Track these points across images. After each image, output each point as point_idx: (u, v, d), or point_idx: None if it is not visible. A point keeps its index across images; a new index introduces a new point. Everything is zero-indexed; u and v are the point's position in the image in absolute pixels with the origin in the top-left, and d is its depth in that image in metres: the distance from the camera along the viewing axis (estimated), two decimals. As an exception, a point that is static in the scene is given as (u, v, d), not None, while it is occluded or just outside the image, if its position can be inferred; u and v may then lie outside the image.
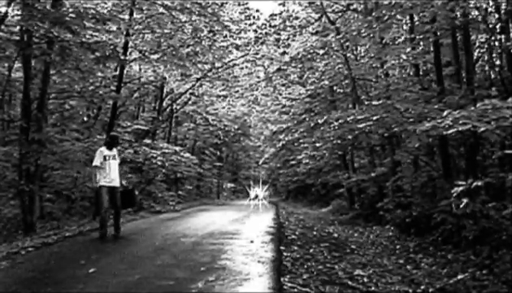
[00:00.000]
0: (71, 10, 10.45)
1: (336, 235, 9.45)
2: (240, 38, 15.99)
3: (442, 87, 8.83)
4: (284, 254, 6.32)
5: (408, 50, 11.18)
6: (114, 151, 7.87)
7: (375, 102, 8.02)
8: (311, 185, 24.38)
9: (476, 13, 9.37)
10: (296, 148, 21.37)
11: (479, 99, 6.74)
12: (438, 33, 8.74)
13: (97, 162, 7.58)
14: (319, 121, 10.96)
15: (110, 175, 7.61)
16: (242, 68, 19.60)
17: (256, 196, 33.32)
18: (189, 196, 23.39)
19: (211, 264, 5.43)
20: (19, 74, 12.57)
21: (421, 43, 10.48)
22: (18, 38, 10.24)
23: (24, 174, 9.89)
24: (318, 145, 14.83)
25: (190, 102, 22.85)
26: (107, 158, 7.64)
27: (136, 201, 9.14)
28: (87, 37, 10.07)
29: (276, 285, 4.53)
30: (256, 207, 19.67)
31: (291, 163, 24.58)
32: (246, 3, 15.86)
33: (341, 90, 17.51)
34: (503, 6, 8.59)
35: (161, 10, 13.10)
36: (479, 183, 5.49)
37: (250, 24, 15.49)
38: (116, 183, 7.68)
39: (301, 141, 19.02)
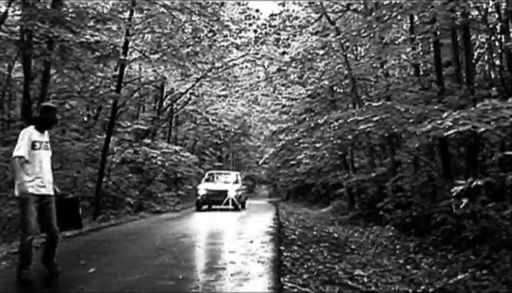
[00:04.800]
0: (71, 9, 10.47)
1: (336, 235, 9.45)
2: (240, 38, 15.99)
3: (442, 87, 8.83)
4: (284, 254, 6.32)
5: (408, 50, 11.18)
6: (46, 136, 4.79)
7: (375, 103, 8.01)
8: (311, 185, 24.36)
9: (476, 13, 9.36)
10: (296, 148, 21.33)
11: (479, 99, 6.74)
12: (438, 33, 8.74)
13: (23, 151, 4.49)
14: (319, 121, 10.96)
15: (42, 175, 4.59)
16: (242, 68, 19.61)
17: (222, 195, 15.44)
18: (189, 196, 23.36)
19: (211, 264, 5.43)
20: (19, 74, 12.56)
21: (421, 43, 10.47)
22: (18, 38, 10.25)
23: (24, 174, 9.87)
24: (318, 145, 14.80)
25: (190, 102, 22.85)
26: (37, 146, 4.59)
27: (81, 219, 5.42)
28: (87, 36, 10.07)
29: (276, 285, 4.53)
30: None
31: (291, 163, 24.54)
32: (246, 3, 15.87)
33: (341, 90, 17.50)
34: (503, 6, 8.59)
35: (161, 10, 13.10)
36: (479, 182, 5.49)
37: (250, 24, 15.49)
38: (50, 189, 4.69)
39: (301, 141, 18.98)
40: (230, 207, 15.17)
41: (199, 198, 15.68)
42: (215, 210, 15.75)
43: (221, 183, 16.73)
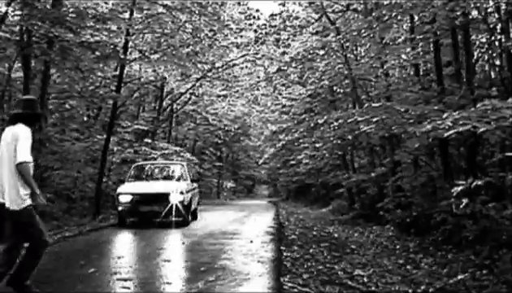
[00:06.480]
0: (71, 9, 10.49)
1: (336, 235, 9.45)
2: (240, 37, 16.02)
3: (442, 87, 8.83)
4: (284, 254, 6.32)
5: (408, 50, 11.17)
6: None
7: (375, 104, 8.00)
8: (311, 185, 24.37)
9: (476, 13, 9.36)
10: (296, 148, 21.35)
11: (479, 99, 6.74)
12: (438, 33, 8.74)
13: (29, 156, 3.78)
14: (319, 121, 10.94)
15: None
16: (242, 68, 19.63)
17: (161, 202, 9.69)
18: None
19: (211, 264, 5.43)
20: (19, 74, 12.56)
21: (421, 43, 10.48)
22: (18, 38, 10.26)
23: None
24: (318, 145, 14.83)
25: (190, 102, 22.86)
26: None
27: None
28: (87, 36, 10.08)
29: (276, 285, 4.53)
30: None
31: (291, 163, 24.56)
32: (246, 3, 15.89)
33: (341, 90, 17.47)
34: (503, 6, 8.58)
35: (161, 9, 13.11)
36: (479, 182, 5.49)
37: (250, 24, 15.51)
38: None
39: (301, 141, 19.00)
40: (173, 218, 9.70)
41: (121, 208, 9.88)
42: (215, 210, 15.65)
43: (157, 182, 10.75)
